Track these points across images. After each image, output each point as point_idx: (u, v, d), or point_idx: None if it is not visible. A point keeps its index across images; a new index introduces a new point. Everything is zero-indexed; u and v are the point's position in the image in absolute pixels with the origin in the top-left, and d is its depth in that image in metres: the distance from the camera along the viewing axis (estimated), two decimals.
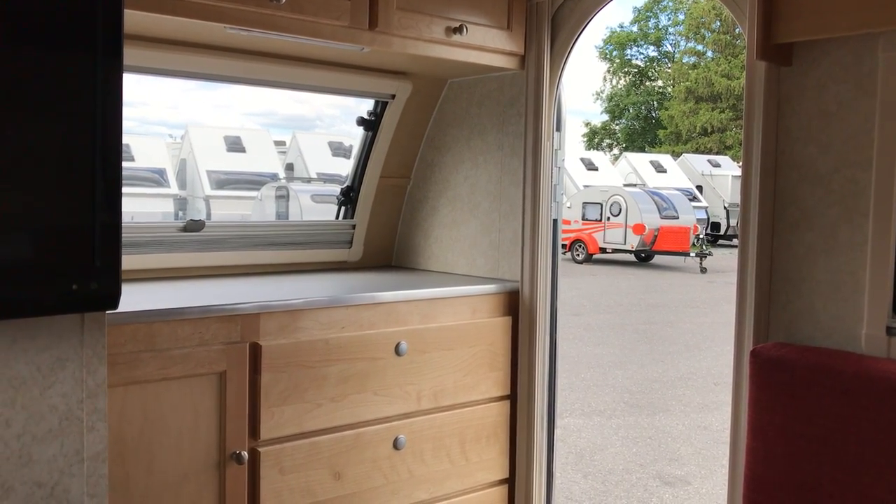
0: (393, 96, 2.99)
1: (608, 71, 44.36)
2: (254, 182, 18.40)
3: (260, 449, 2.21)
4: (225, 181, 18.71)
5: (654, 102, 42.70)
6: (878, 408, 1.79)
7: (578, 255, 19.96)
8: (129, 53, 1.72)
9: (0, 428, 1.54)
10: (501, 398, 2.76)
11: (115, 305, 1.57)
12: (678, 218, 19.75)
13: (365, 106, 3.12)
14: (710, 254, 18.95)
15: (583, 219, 20.20)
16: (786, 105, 2.10)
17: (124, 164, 1.58)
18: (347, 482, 2.39)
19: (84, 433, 1.63)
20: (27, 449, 1.57)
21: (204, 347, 2.10)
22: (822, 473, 1.87)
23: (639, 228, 19.32)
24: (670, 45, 43.27)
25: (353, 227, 3.15)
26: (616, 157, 32.81)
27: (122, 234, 1.57)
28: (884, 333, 1.93)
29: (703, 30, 40.10)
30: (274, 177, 18.77)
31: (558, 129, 2.79)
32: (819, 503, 1.87)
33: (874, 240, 1.94)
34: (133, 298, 2.10)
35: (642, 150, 38.16)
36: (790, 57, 2.08)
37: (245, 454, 2.17)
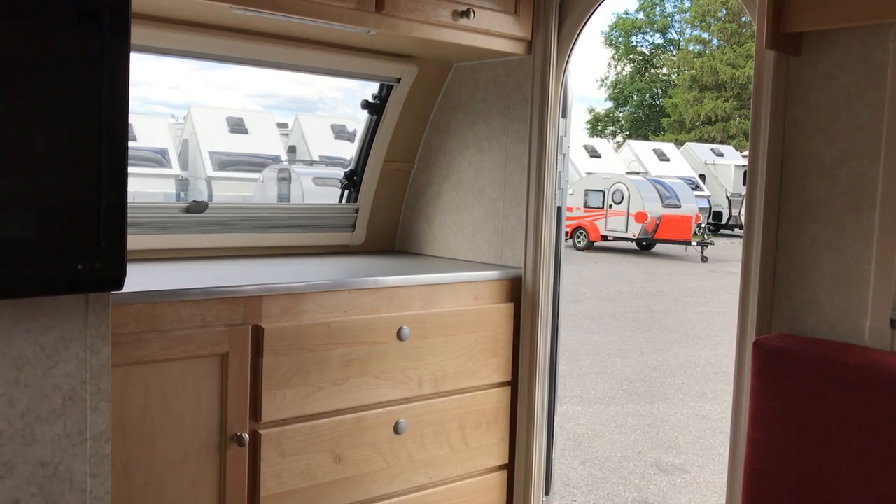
0: (398, 80, 2.98)
1: (613, 57, 44.18)
2: (256, 164, 18.37)
3: (261, 431, 2.22)
4: (227, 162, 18.69)
5: (659, 90, 42.54)
6: (880, 400, 1.79)
7: (580, 242, 19.95)
8: (134, 32, 1.70)
9: (4, 407, 1.54)
10: (502, 384, 2.77)
11: (120, 286, 1.57)
12: (680, 206, 19.71)
13: (368, 88, 3.10)
14: (711, 243, 18.93)
15: (585, 206, 20.16)
16: (794, 95, 2.09)
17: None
18: (348, 465, 2.40)
19: (87, 413, 1.64)
20: (31, 428, 1.57)
21: (206, 329, 2.10)
22: (823, 465, 1.87)
23: (641, 216, 19.29)
24: (676, 32, 43.08)
25: (357, 210, 3.14)
26: (619, 145, 32.72)
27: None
28: (888, 326, 1.92)
29: (708, 18, 39.89)
30: (276, 159, 18.74)
31: (564, 115, 2.78)
32: (820, 495, 1.88)
33: (880, 232, 1.93)
34: (135, 279, 2.09)
35: (646, 138, 38.05)
36: (799, 46, 2.07)
37: (246, 436, 2.17)
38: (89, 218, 1.50)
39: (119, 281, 1.56)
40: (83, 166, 1.49)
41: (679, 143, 30.99)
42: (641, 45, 43.58)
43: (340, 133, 19.87)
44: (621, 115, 44.06)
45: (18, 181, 1.45)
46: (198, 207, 2.75)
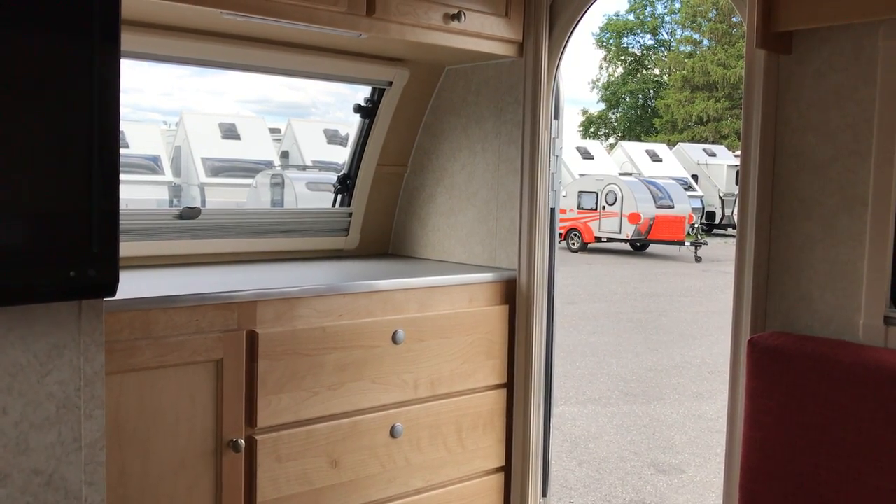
0: (390, 83, 2.98)
1: (605, 59, 44.30)
2: (249, 169, 18.33)
3: (257, 437, 2.21)
4: (220, 168, 18.64)
5: (651, 91, 42.66)
6: (875, 397, 1.79)
7: (574, 244, 19.97)
8: (124, 38, 1.70)
9: None
10: (498, 386, 2.76)
11: (113, 293, 1.56)
12: (673, 207, 19.74)
13: (360, 94, 3.10)
14: (705, 243, 18.96)
15: (578, 208, 20.18)
16: (785, 94, 2.10)
17: (120, 151, 1.56)
18: (344, 470, 2.39)
19: (82, 421, 1.63)
20: (25, 436, 1.57)
21: (201, 335, 2.09)
22: (818, 463, 1.87)
23: (634, 217, 19.32)
24: (667, 33, 43.22)
25: (350, 214, 3.14)
26: (612, 147, 32.79)
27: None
28: (881, 323, 1.93)
29: (699, 18, 40.03)
30: (269, 164, 18.71)
31: (556, 117, 2.78)
32: (816, 492, 1.88)
33: (873, 229, 1.94)
34: (129, 286, 2.09)
35: (638, 138, 38.15)
36: (790, 45, 2.07)
37: (242, 442, 2.17)
38: (81, 224, 1.50)
39: (112, 287, 1.55)
40: (74, 173, 1.49)
41: (671, 144, 31.07)
42: (633, 47, 43.74)
43: (333, 138, 19.84)
44: (614, 116, 44.15)
45: (9, 189, 1.44)
46: (191, 213, 2.74)
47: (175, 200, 18.05)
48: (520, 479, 2.80)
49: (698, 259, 17.83)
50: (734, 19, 37.28)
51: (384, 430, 2.47)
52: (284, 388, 2.24)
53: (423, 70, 3.00)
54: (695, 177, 26.12)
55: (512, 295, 2.77)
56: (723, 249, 19.80)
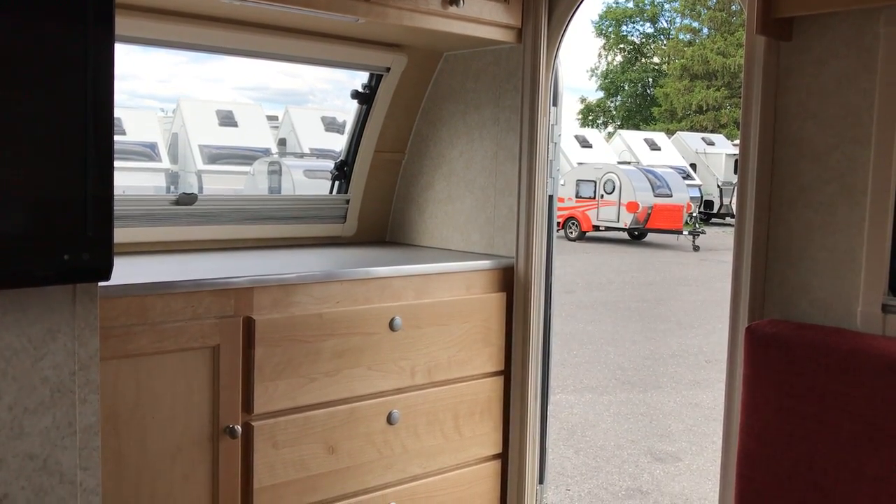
0: (388, 69, 2.96)
1: (604, 47, 44.18)
2: (246, 157, 18.30)
3: (253, 423, 2.21)
4: (217, 156, 18.60)
5: (650, 80, 42.56)
6: (872, 385, 1.79)
7: (572, 232, 19.97)
8: (120, 23, 1.68)
9: None
10: (495, 374, 2.76)
11: (108, 277, 1.55)
12: (672, 196, 19.74)
13: (358, 80, 3.09)
14: (703, 232, 18.97)
15: (576, 196, 20.18)
16: (785, 81, 2.09)
17: (116, 137, 1.55)
18: (341, 456, 2.39)
19: (76, 405, 1.62)
20: (19, 421, 1.56)
21: (197, 321, 2.09)
22: (816, 450, 1.87)
23: (632, 206, 19.32)
24: (666, 21, 43.10)
25: (348, 201, 3.13)
26: (610, 135, 32.75)
27: (115, 207, 1.55)
28: (879, 311, 1.93)
29: (698, 6, 39.90)
30: (266, 152, 18.67)
31: (555, 104, 2.77)
32: (813, 480, 1.88)
33: (871, 217, 1.93)
34: (125, 271, 2.08)
35: (637, 127, 38.09)
36: (790, 32, 2.06)
37: (238, 428, 2.16)
38: (76, 208, 1.49)
39: (106, 271, 1.54)
40: (69, 157, 1.48)
41: (670, 133, 31.04)
42: (632, 35, 43.61)
43: (331, 125, 19.80)
44: (612, 105, 44.06)
45: (3, 173, 1.43)
46: (187, 199, 2.73)
47: (172, 188, 18.02)
48: (517, 467, 2.80)
49: (696, 248, 17.84)
50: (733, 7, 37.19)
51: (381, 417, 2.47)
52: (281, 375, 2.24)
53: (421, 56, 2.98)
54: (693, 166, 26.11)
55: (509, 282, 2.76)
56: (720, 238, 19.81)
